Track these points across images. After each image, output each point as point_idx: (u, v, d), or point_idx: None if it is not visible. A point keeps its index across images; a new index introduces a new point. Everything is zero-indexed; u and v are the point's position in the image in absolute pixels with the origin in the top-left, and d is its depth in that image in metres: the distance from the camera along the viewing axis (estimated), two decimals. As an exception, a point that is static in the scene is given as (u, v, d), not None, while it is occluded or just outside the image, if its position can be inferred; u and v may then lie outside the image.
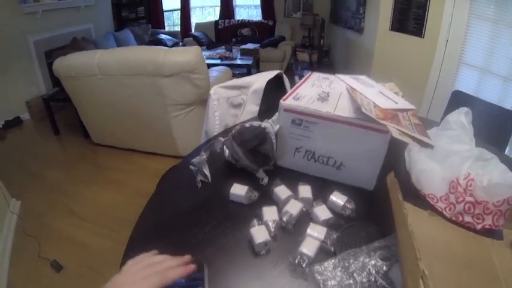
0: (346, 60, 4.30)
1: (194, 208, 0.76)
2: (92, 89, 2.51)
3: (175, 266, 0.50)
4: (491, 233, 0.63)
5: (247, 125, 0.80)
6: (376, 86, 0.90)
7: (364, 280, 0.56)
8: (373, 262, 0.58)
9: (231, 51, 4.62)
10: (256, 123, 0.80)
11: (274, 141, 0.81)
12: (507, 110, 1.50)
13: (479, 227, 0.65)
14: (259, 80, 1.20)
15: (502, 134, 1.44)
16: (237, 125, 0.83)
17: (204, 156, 0.82)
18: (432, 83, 2.58)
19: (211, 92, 1.20)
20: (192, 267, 0.51)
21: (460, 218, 0.68)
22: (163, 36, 5.59)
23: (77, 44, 3.57)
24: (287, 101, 0.80)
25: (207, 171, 0.83)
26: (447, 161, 0.73)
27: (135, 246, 0.61)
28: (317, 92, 0.85)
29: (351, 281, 0.56)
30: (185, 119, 2.51)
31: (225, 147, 0.86)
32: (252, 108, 1.17)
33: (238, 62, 4.28)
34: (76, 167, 2.77)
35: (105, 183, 2.52)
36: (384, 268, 0.57)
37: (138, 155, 2.86)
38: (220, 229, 0.69)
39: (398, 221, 0.57)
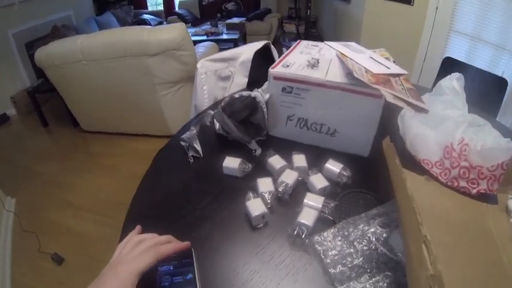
0: (335, 30, 4.24)
1: (188, 185, 0.74)
2: (77, 75, 2.46)
3: (165, 242, 0.50)
4: (485, 197, 0.62)
5: (236, 95, 0.78)
6: (367, 52, 0.87)
7: (365, 248, 0.54)
8: (372, 229, 0.57)
9: (216, 26, 4.55)
10: (245, 93, 0.77)
11: (265, 110, 0.79)
12: (498, 76, 1.49)
13: (474, 191, 0.65)
14: (247, 51, 1.18)
15: (493, 101, 1.43)
16: (226, 97, 0.80)
17: (194, 131, 0.80)
18: (422, 50, 2.57)
19: (198, 65, 1.17)
20: (185, 244, 0.50)
21: (456, 183, 0.67)
22: (146, 16, 5.46)
23: (58, 32, 3.44)
24: (276, 69, 0.78)
25: (198, 146, 0.81)
26: (441, 126, 0.72)
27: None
28: (306, 59, 0.83)
29: (352, 250, 0.54)
30: (174, 97, 2.48)
31: (215, 120, 0.83)
32: (240, 80, 1.15)
33: (225, 36, 4.24)
34: (68, 157, 2.74)
35: (98, 170, 2.49)
36: (384, 235, 0.56)
37: (129, 138, 2.84)
38: (215, 204, 0.68)
39: (396, 186, 0.55)
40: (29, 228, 1.95)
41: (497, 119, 1.41)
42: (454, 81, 0.78)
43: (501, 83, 1.44)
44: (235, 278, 0.53)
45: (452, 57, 1.76)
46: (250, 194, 0.65)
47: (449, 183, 0.67)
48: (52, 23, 3.74)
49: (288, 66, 0.78)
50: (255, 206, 0.62)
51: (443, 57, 1.76)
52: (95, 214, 2.05)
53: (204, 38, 4.15)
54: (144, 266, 0.44)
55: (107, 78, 2.44)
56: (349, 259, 0.53)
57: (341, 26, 3.90)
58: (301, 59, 0.83)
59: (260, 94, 0.78)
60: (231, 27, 4.45)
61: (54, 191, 2.32)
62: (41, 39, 3.30)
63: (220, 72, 1.19)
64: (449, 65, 1.68)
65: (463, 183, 0.66)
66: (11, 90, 3.53)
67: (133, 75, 2.37)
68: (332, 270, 0.51)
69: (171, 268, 0.49)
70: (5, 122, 3.42)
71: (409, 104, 0.64)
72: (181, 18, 5.27)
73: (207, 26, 4.68)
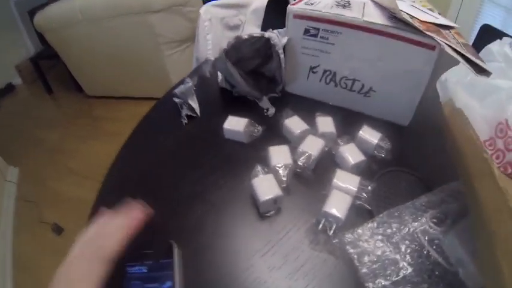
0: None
1: (177, 152, 0.61)
2: (78, 38, 2.39)
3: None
4: None
5: (245, 36, 0.63)
6: (406, 0, 0.75)
7: (415, 254, 0.42)
8: (423, 227, 0.45)
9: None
10: (257, 33, 0.63)
11: (282, 57, 0.64)
12: None
13: None
14: None
15: None
16: (231, 39, 0.65)
17: (189, 83, 0.66)
18: (452, 17, 2.40)
19: (201, 11, 1.02)
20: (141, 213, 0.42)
21: (509, 170, 0.54)
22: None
23: None
24: (298, 5, 0.64)
25: (194, 103, 0.67)
26: (489, 98, 0.60)
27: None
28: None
29: (398, 256, 0.42)
30: (181, 57, 2.40)
31: (217, 69, 0.70)
32: (252, 30, 1.00)
33: None
34: (72, 123, 2.74)
35: (102, 136, 2.48)
36: (439, 236, 0.44)
37: (134, 102, 2.80)
38: (211, 178, 0.55)
39: (472, 170, 0.43)
40: (31, 197, 1.96)
41: None
42: (506, 46, 0.67)
43: None
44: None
45: (491, 25, 1.66)
46: (259, 168, 0.51)
47: (501, 169, 0.55)
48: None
49: (312, 4, 0.64)
50: (265, 186, 0.48)
51: (482, 25, 1.63)
52: (96, 182, 1.95)
53: (217, -4, 3.97)
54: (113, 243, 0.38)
55: (108, 39, 2.35)
56: (394, 269, 0.41)
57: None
58: None
59: (276, 36, 0.63)
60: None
61: (57, 159, 2.30)
62: (43, 6, 3.28)
63: (227, 20, 1.05)
64: (487, 34, 1.55)
65: None
66: (16, 59, 3.55)
67: (137, 35, 2.27)
68: (370, 285, 0.39)
69: (144, 270, 0.40)
70: (11, 91, 3.46)
71: (468, 61, 0.52)
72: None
73: (219, -17, 4.48)
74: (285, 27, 0.67)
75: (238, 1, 1.05)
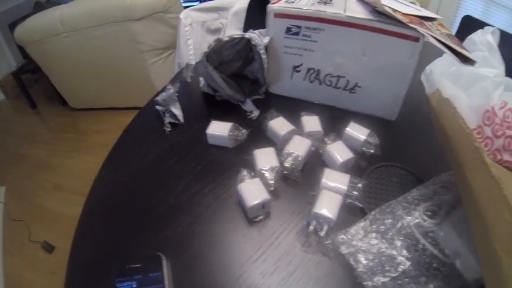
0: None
1: (162, 161, 0.59)
2: (60, 49, 2.35)
3: None
4: None
5: (225, 38, 0.61)
6: None
7: (412, 248, 0.42)
8: (416, 221, 0.44)
9: (210, -13, 4.34)
10: (237, 35, 0.61)
11: (264, 57, 0.63)
12: None
13: None
14: (241, 0, 1.03)
15: None
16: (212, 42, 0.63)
17: (171, 90, 0.64)
18: (433, 9, 2.45)
19: (182, 16, 1.02)
20: None
21: (499, 157, 0.55)
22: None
23: (42, 9, 3.30)
24: (278, 4, 0.63)
25: (177, 110, 0.65)
26: (474, 87, 0.60)
27: (88, 223, 0.49)
28: None
29: (394, 252, 0.41)
30: (164, 64, 2.38)
31: (198, 74, 0.68)
32: (233, 33, 0.95)
33: None
34: (58, 137, 2.69)
35: (89, 149, 2.45)
36: (433, 229, 0.43)
37: (119, 112, 2.77)
38: (197, 187, 0.53)
39: (463, 159, 0.42)
40: (19, 216, 1.89)
41: None
42: (488, 35, 0.70)
43: None
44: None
45: (472, 16, 1.69)
46: (245, 173, 0.50)
47: (491, 156, 0.55)
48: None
49: (293, 2, 0.64)
50: (252, 191, 0.47)
51: (463, 16, 1.66)
52: (84, 196, 1.94)
53: (197, 2, 3.96)
54: None
55: (90, 50, 2.29)
56: (392, 265, 0.40)
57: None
58: None
59: (257, 36, 0.61)
60: (226, -13, 4.24)
61: (44, 175, 2.23)
62: (24, 18, 3.23)
63: (208, 24, 1.05)
64: (469, 25, 1.57)
65: (507, 157, 0.55)
66: (-2, 75, 3.53)
67: (118, 44, 2.22)
68: (369, 284, 0.38)
69: (134, 285, 0.39)
70: (-6, 108, 3.42)
71: (453, 51, 0.51)
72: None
73: (200, -13, 4.48)
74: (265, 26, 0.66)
75: (219, 4, 1.05)
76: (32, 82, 3.31)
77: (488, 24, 1.54)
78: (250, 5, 1.01)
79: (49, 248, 1.68)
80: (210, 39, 1.01)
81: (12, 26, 3.37)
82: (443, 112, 0.49)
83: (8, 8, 3.48)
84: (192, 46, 1.02)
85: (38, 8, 3.25)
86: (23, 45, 2.38)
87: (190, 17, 1.03)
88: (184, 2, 3.55)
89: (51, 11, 2.29)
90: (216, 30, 1.04)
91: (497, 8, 2.03)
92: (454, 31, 1.63)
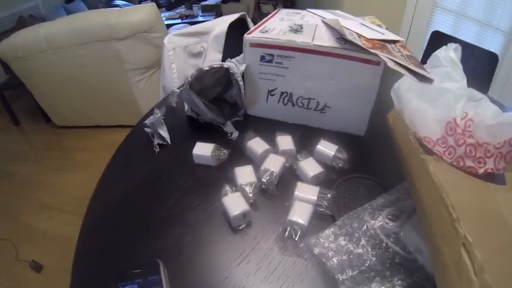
0: (315, 7, 4.13)
1: (152, 179, 0.63)
2: (44, 66, 2.33)
3: None
4: (493, 177, 0.56)
5: (206, 67, 0.66)
6: (356, 19, 0.79)
7: (376, 246, 0.46)
8: (380, 224, 0.49)
9: (191, 9, 4.44)
10: (216, 64, 0.66)
11: (241, 84, 0.68)
12: (489, 51, 1.49)
13: (481, 171, 0.57)
14: (220, 24, 1.06)
15: (484, 76, 1.44)
16: (193, 71, 0.68)
17: (158, 114, 0.68)
18: (406, 26, 2.54)
19: (165, 41, 1.05)
20: None
21: (461, 163, 0.60)
22: (119, 2, 5.23)
23: (24, 24, 3.22)
24: (253, 34, 0.68)
25: (164, 133, 0.69)
26: (439, 100, 0.65)
27: (86, 239, 0.52)
28: (288, 25, 0.72)
29: (361, 250, 0.45)
30: (147, 83, 2.38)
31: (182, 100, 0.72)
32: (214, 56, 1.03)
33: (200, 19, 4.13)
34: (42, 156, 2.62)
35: (73, 167, 2.40)
36: (395, 230, 0.48)
37: (104, 130, 2.74)
38: (186, 201, 0.57)
39: (412, 169, 0.47)
40: (5, 235, 1.86)
41: (488, 93, 1.40)
42: (451, 52, 0.72)
43: (492, 57, 1.44)
44: (215, 297, 0.44)
45: (441, 31, 1.76)
46: (227, 188, 0.54)
47: (454, 163, 0.61)
48: (18, 14, 3.55)
49: (266, 31, 0.69)
50: (234, 203, 0.51)
51: (432, 31, 1.76)
52: (72, 214, 1.96)
53: (179, 21, 4.06)
54: None
55: (75, 67, 2.29)
56: (359, 260, 0.45)
57: (321, 4, 3.79)
58: (281, 25, 0.73)
59: (234, 65, 0.66)
60: (206, 10, 4.35)
61: (29, 193, 2.20)
62: (7, 33, 3.11)
63: (190, 48, 1.08)
64: (438, 39, 1.68)
65: (469, 163, 0.59)
66: (-21, 91, 3.33)
67: (103, 62, 2.24)
68: (340, 276, 0.43)
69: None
70: (-26, 124, 3.24)
71: (411, 72, 0.57)
72: (155, 2, 5.08)
73: (181, 9, 4.57)
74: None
75: (200, 29, 1.09)
76: (14, 98, 3.20)
77: (455, 38, 1.63)
78: (228, 29, 1.04)
79: (37, 267, 1.66)
80: (192, 62, 1.07)
81: None
82: (397, 129, 0.54)
83: None
84: (176, 69, 1.05)
85: (21, 22, 3.22)
86: (6, 61, 2.35)
87: (174, 42, 1.07)
88: (167, 20, 3.62)
89: (35, 28, 2.28)
90: (198, 54, 1.07)
91: (466, 20, 2.12)
92: (425, 45, 1.72)
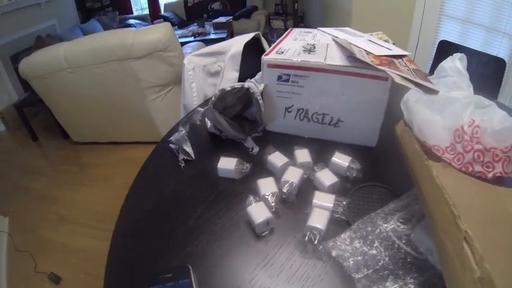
0: (323, 22, 4.20)
1: (180, 192, 0.67)
2: (63, 85, 2.40)
3: None
4: (502, 181, 0.58)
5: (228, 88, 0.71)
6: (364, 35, 0.83)
7: (389, 247, 0.49)
8: (392, 227, 0.51)
9: (203, 27, 4.53)
10: (238, 85, 0.71)
11: (261, 102, 0.72)
12: (495, 57, 1.49)
13: (490, 175, 0.59)
14: (236, 44, 1.10)
15: (493, 82, 1.43)
16: (216, 92, 0.73)
17: (183, 131, 0.72)
18: (414, 36, 2.56)
19: (185, 61, 1.10)
20: None
21: (470, 168, 0.62)
22: (132, 21, 5.41)
23: (42, 43, 3.32)
24: (270, 56, 0.72)
25: (188, 148, 0.74)
26: (447, 109, 0.67)
27: (118, 246, 0.54)
28: (301, 45, 0.77)
29: (375, 251, 0.48)
30: (164, 100, 2.43)
31: (205, 118, 0.76)
32: (231, 75, 1.07)
33: (212, 36, 4.22)
34: (60, 170, 2.68)
35: (92, 182, 2.45)
36: (406, 232, 0.50)
37: (121, 146, 2.78)
38: (212, 212, 0.60)
39: (419, 175, 0.50)
40: (24, 247, 1.90)
41: (497, 99, 1.39)
42: (456, 62, 0.74)
43: (499, 63, 1.43)
44: (242, 297, 0.47)
45: (448, 40, 1.76)
46: (251, 198, 0.57)
47: (463, 169, 0.63)
48: (36, 33, 3.65)
49: (282, 52, 0.73)
50: (258, 211, 0.55)
51: (438, 41, 1.77)
52: (89, 228, 2.01)
53: (191, 39, 4.13)
54: None
55: (93, 86, 2.37)
56: (373, 260, 0.48)
57: (330, 18, 3.85)
58: (295, 45, 0.77)
59: (254, 84, 0.71)
60: (218, 27, 4.43)
61: (47, 207, 2.26)
62: (25, 51, 3.18)
63: (209, 67, 1.12)
64: (445, 48, 1.68)
65: (478, 168, 0.61)
66: (-1, 106, 3.43)
67: (120, 81, 2.31)
68: (356, 275, 0.46)
69: None
70: (-6, 138, 3.33)
71: (417, 85, 0.59)
72: (168, 20, 5.17)
73: (194, 27, 4.65)
74: (259, 67, 0.74)
75: (217, 49, 1.12)
76: (33, 115, 3.29)
77: (462, 47, 1.64)
78: (244, 48, 1.08)
79: (56, 279, 1.69)
80: (211, 81, 1.11)
81: (14, 58, 3.42)
82: (404, 139, 0.57)
83: (9, 40, 3.53)
84: (195, 88, 1.09)
85: (39, 41, 3.31)
86: (26, 79, 2.41)
87: (193, 62, 1.11)
88: (180, 38, 3.71)
89: (55, 48, 2.34)
90: (216, 73, 1.10)
91: (473, 27, 2.13)
92: (433, 54, 1.73)
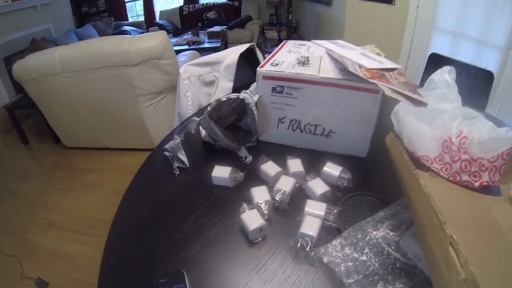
0: (317, 33, 4.26)
1: (174, 199, 0.68)
2: (57, 89, 2.38)
3: None
4: (488, 190, 0.59)
5: (223, 98, 0.72)
6: (357, 49, 0.84)
7: (379, 254, 0.51)
8: (381, 234, 0.53)
9: (198, 35, 4.54)
10: (233, 95, 0.72)
11: (255, 112, 0.74)
12: (484, 69, 1.52)
13: (477, 184, 0.61)
14: (231, 55, 1.12)
15: (481, 94, 1.46)
16: (212, 102, 0.75)
17: (178, 139, 0.74)
18: (406, 49, 2.61)
19: (181, 70, 1.11)
20: None
21: (458, 178, 0.64)
22: (127, 28, 5.40)
23: (37, 46, 3.30)
24: (265, 68, 0.74)
25: (183, 156, 0.75)
26: (436, 120, 0.69)
27: (113, 251, 0.55)
28: (295, 57, 0.79)
29: (365, 257, 0.50)
30: (157, 108, 2.43)
31: (200, 127, 0.78)
32: (225, 85, 1.09)
33: (206, 45, 4.22)
34: (51, 175, 2.64)
35: (82, 188, 2.42)
36: (395, 239, 0.52)
37: (113, 152, 2.76)
38: (206, 219, 0.62)
39: (407, 184, 0.52)
40: (11, 251, 1.87)
41: (486, 111, 1.42)
42: (445, 74, 0.76)
43: (487, 76, 1.47)
44: (235, 303, 0.48)
45: (438, 53, 1.79)
46: (245, 206, 0.59)
47: (451, 178, 0.64)
48: (31, 36, 3.62)
49: (277, 64, 0.75)
50: (251, 219, 0.56)
51: (429, 54, 1.79)
52: (79, 234, 1.98)
53: (186, 47, 4.13)
54: None
55: (87, 91, 2.36)
56: (364, 266, 0.49)
57: (323, 29, 3.91)
58: (290, 57, 0.79)
59: (249, 95, 0.72)
60: (212, 36, 4.43)
61: (37, 211, 2.22)
62: (19, 53, 3.15)
63: (204, 77, 1.14)
64: (435, 61, 1.71)
65: (465, 177, 0.62)
66: (-11, 108, 3.36)
67: (115, 87, 2.30)
68: (347, 281, 0.47)
69: None
70: (-17, 141, 3.25)
71: (407, 97, 0.61)
72: (163, 28, 5.22)
73: (188, 36, 4.66)
74: (252, 78, 0.75)
75: (212, 59, 1.14)
76: (24, 117, 3.22)
77: (452, 60, 1.67)
78: (239, 59, 1.09)
79: (43, 285, 1.65)
80: (206, 90, 1.12)
81: (7, 60, 3.35)
82: (393, 150, 0.59)
83: (3, 42, 3.47)
84: (190, 97, 1.10)
85: (34, 44, 3.28)
86: (20, 82, 2.39)
87: (189, 72, 1.13)
88: (174, 46, 3.72)
89: (50, 51, 2.32)
90: (210, 83, 1.12)
91: (464, 39, 2.18)
92: (424, 67, 1.76)
